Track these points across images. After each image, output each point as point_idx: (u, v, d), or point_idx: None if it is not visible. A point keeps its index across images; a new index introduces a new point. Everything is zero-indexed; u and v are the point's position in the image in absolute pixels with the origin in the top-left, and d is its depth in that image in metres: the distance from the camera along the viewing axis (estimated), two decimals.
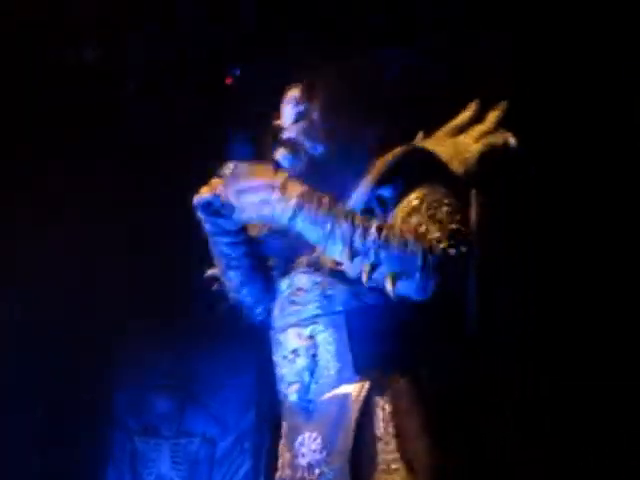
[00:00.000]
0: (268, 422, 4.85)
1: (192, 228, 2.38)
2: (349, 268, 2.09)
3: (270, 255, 2.39)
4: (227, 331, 4.75)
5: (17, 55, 3.92)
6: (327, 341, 2.17)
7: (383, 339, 2.16)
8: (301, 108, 2.30)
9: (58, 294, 4.57)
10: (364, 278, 2.06)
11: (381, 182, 2.19)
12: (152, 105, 4.17)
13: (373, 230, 2.04)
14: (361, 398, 2.12)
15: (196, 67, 4.09)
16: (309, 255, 2.26)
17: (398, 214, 2.15)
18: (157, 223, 4.51)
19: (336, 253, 2.08)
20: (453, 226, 2.08)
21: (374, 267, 2.04)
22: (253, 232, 2.40)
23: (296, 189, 2.08)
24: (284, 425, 2.31)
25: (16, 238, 4.25)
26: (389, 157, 2.21)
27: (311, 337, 2.19)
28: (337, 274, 2.17)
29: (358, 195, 2.22)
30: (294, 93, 2.33)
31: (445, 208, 2.11)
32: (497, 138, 2.25)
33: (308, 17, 3.71)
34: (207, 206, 2.29)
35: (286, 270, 2.32)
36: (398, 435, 2.09)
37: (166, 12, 3.90)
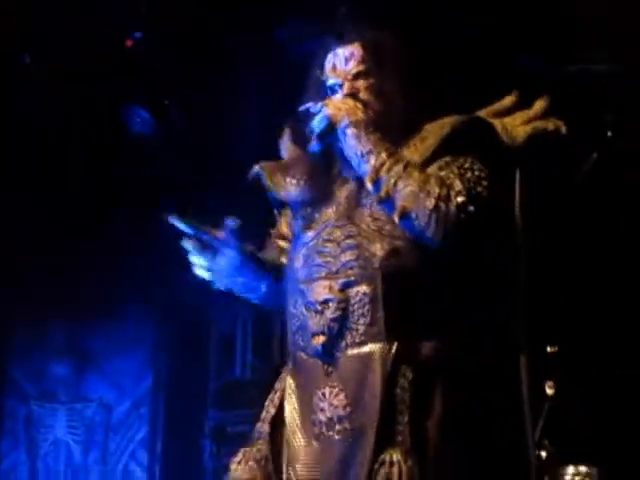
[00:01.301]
0: (164, 389, 4.96)
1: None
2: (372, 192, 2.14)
3: (295, 206, 2.35)
4: (126, 299, 4.85)
5: None
6: (359, 296, 2.13)
7: (417, 303, 2.13)
8: (366, 66, 2.30)
9: None
10: (377, 199, 2.12)
11: (444, 146, 2.21)
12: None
13: (402, 163, 2.13)
14: (387, 360, 2.07)
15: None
16: (337, 208, 2.27)
17: (433, 166, 2.19)
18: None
19: (364, 174, 2.15)
20: (479, 188, 2.12)
21: (389, 192, 2.10)
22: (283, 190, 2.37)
23: (362, 115, 2.21)
24: (289, 380, 2.24)
25: None
26: (451, 122, 2.25)
27: (343, 290, 2.14)
28: (376, 230, 2.17)
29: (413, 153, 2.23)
30: (354, 50, 2.32)
31: (477, 173, 2.15)
32: (548, 124, 2.27)
33: None
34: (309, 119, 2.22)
35: (311, 220, 2.29)
36: (412, 407, 2.04)
37: None
